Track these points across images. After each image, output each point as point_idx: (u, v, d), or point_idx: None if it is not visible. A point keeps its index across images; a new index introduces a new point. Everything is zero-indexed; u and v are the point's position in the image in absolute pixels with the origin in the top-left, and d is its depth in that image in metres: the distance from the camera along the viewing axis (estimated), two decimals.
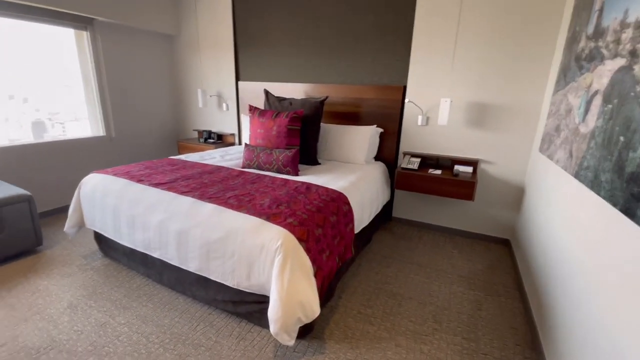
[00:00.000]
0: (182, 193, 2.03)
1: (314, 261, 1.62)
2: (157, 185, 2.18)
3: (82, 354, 1.66)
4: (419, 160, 3.04)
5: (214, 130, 4.43)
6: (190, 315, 1.97)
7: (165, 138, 4.58)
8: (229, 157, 3.16)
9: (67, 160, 3.46)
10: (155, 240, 1.99)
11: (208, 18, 4.03)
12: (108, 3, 3.40)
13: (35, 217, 2.58)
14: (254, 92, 3.95)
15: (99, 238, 2.54)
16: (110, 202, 2.20)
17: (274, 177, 2.46)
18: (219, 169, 2.67)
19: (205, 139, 4.27)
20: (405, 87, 3.14)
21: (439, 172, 2.89)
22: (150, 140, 4.37)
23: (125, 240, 2.18)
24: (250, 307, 1.84)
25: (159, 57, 4.30)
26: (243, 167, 2.79)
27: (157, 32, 4.10)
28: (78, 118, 3.77)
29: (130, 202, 2.10)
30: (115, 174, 2.39)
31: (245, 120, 3.73)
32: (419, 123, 3.11)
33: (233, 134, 4.29)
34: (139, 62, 4.04)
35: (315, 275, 1.61)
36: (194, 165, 2.77)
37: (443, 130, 3.06)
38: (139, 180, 2.26)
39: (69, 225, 2.46)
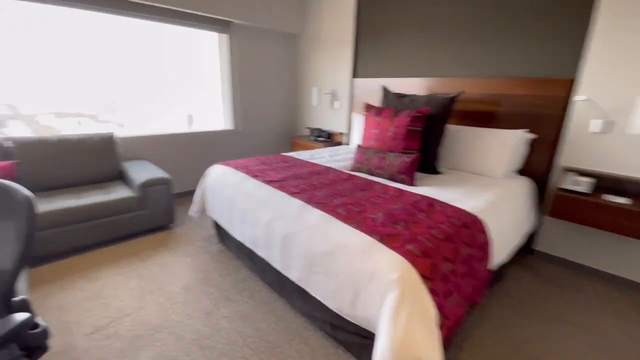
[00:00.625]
0: (292, 194, 1.91)
1: (440, 307, 1.23)
2: (269, 182, 2.13)
3: (187, 341, 1.71)
4: (591, 180, 2.22)
5: (324, 128, 4.36)
6: (286, 325, 1.84)
7: (281, 134, 4.78)
8: (338, 158, 2.98)
9: (201, 149, 3.90)
10: (262, 240, 1.93)
11: (332, 14, 3.94)
12: (244, 7, 3.65)
13: (171, 198, 2.93)
14: (370, 89, 3.67)
15: (217, 225, 2.70)
16: (227, 194, 2.27)
17: (387, 186, 2.13)
18: (327, 170, 2.50)
19: (316, 137, 4.24)
20: (572, 81, 2.34)
21: (624, 200, 2.04)
22: (269, 135, 4.61)
23: (236, 233, 2.22)
24: (350, 337, 1.57)
25: (281, 56, 4.47)
26: (352, 170, 2.55)
27: (282, 31, 4.25)
28: (214, 112, 4.23)
29: (244, 197, 2.11)
30: (235, 167, 2.47)
31: (358, 119, 3.50)
32: (595, 130, 2.28)
33: (342, 133, 4.13)
34: (263, 62, 4.27)
35: (440, 326, 1.23)
36: (304, 164, 2.68)
37: (637, 141, 2.15)
38: (254, 176, 2.27)
39: (193, 209, 2.69)
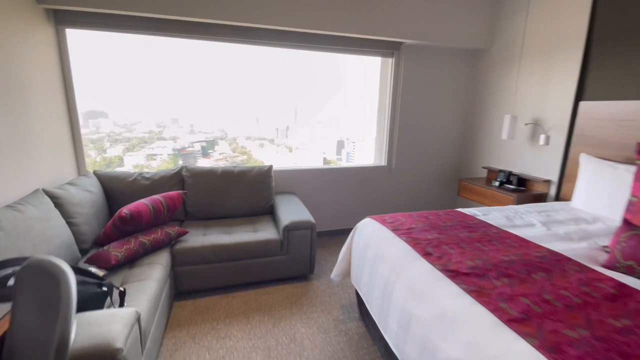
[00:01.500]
0: (511, 321, 1.03)
1: None
2: (455, 275, 1.31)
3: None
4: None
5: (515, 171, 3.14)
6: None
7: (446, 173, 3.83)
8: (562, 231, 1.84)
9: (347, 186, 3.44)
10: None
11: (546, 15, 2.81)
12: (421, 24, 3.03)
13: (314, 245, 2.51)
14: (608, 117, 2.31)
15: (360, 298, 2.06)
16: (382, 272, 1.59)
17: None
18: (558, 259, 1.45)
19: (501, 183, 3.08)
20: None
21: None
22: (431, 175, 3.76)
23: (381, 326, 1.50)
24: None
25: (457, 78, 3.58)
26: (608, 267, 1.40)
27: (463, 48, 3.38)
28: (364, 143, 3.76)
29: (410, 290, 1.36)
30: (394, 229, 1.78)
31: (589, 164, 2.21)
32: None
33: (548, 182, 2.81)
34: (433, 86, 3.50)
35: None
36: (502, 236, 1.71)
37: None
38: (426, 254, 1.50)
39: (335, 273, 2.15)
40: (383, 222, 1.90)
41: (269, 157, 3.54)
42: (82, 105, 2.56)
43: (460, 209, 2.23)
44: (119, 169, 2.80)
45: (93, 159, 2.77)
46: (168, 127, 3.00)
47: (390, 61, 3.34)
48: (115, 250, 1.87)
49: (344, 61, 3.41)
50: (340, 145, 3.92)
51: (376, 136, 3.59)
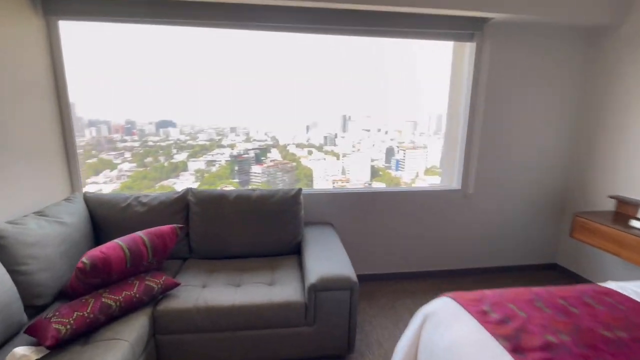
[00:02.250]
0: None
1: None
2: None
3: None
4: None
5: None
6: None
7: (548, 203, 2.76)
8: None
9: (403, 216, 2.57)
10: None
11: None
12: None
13: (354, 313, 1.71)
14: None
15: None
16: None
17: None
18: None
19: None
20: None
21: None
22: (524, 205, 2.72)
23: None
24: None
25: (568, 69, 2.53)
26: None
27: (576, 25, 2.34)
28: (426, 147, 2.93)
29: None
30: (484, 324, 0.92)
31: None
32: None
33: None
34: (532, 79, 2.50)
35: None
36: None
37: None
38: None
39: None
40: (481, 317, 1.04)
41: (316, 165, 3.26)
42: (153, 115, 2.72)
43: (616, 288, 1.25)
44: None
45: (161, 164, 3.06)
46: (226, 136, 3.38)
47: (468, 47, 2.43)
48: (59, 320, 1.28)
49: (401, 52, 2.59)
50: (390, 152, 3.33)
51: (443, 149, 2.68)
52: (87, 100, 2.36)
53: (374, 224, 2.56)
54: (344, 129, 3.31)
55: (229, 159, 3.54)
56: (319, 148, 3.49)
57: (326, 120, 3.36)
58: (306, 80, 2.69)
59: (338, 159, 3.41)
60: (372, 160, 3.30)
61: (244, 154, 3.50)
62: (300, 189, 2.15)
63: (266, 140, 3.53)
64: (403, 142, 3.25)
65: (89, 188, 2.38)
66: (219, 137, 3.51)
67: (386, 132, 3.10)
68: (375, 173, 3.47)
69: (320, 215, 2.46)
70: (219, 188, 2.58)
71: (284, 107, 3.01)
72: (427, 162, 3.09)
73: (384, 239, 2.59)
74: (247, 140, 3.54)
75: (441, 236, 2.66)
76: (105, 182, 2.64)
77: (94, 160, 2.67)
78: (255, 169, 3.50)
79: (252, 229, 2.06)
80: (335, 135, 3.43)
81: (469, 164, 2.56)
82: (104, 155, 2.70)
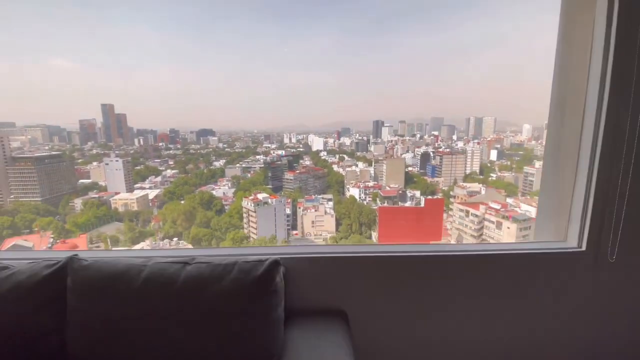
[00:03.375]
0: None
1: None
2: None
3: None
4: None
5: None
6: None
7: None
8: None
9: (472, 295, 1.23)
10: None
11: None
12: None
13: None
14: None
15: None
16: None
17: None
18: None
19: None
20: None
21: None
22: None
23: None
24: None
25: None
26: None
27: None
28: (458, 152, 2.75)
29: None
30: None
31: None
32: None
33: None
34: None
35: None
36: None
37: None
38: None
39: None
40: None
41: (348, 171, 3.33)
42: (194, 124, 2.92)
43: None
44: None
45: (201, 171, 3.18)
46: (261, 144, 3.46)
47: (598, 6, 1.14)
48: None
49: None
50: (425, 158, 3.26)
51: (546, 177, 1.37)
52: (135, 111, 2.59)
53: (416, 308, 1.24)
54: (377, 135, 3.33)
55: (263, 165, 3.78)
56: (351, 154, 3.58)
57: (357, 124, 3.45)
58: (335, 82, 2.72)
59: (371, 165, 3.45)
60: (407, 168, 3.30)
61: (277, 161, 3.72)
62: (276, 262, 0.93)
63: (299, 147, 3.70)
64: (440, 147, 3.16)
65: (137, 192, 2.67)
66: (254, 145, 3.75)
67: (420, 137, 3.05)
68: (409, 179, 3.42)
69: (322, 297, 1.21)
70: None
71: (315, 113, 3.07)
72: (465, 168, 2.95)
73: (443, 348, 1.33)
74: (281, 147, 3.73)
75: (546, 340, 1.37)
76: (150, 187, 2.90)
77: (141, 167, 2.93)
78: (288, 175, 3.69)
79: (179, 344, 0.95)
80: (368, 141, 3.48)
81: (605, 205, 1.25)
82: (150, 163, 2.96)
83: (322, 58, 2.52)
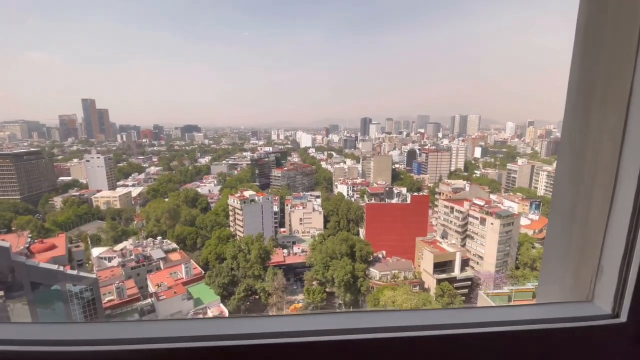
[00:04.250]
0: None
1: None
2: None
3: None
4: None
5: None
6: None
7: None
8: None
9: None
10: None
11: None
12: None
13: None
14: None
15: None
16: None
17: None
18: None
19: None
20: None
21: None
22: None
23: None
24: None
25: None
26: None
27: None
28: (443, 150, 2.74)
29: None
30: None
31: None
32: None
33: None
34: None
35: None
36: None
37: None
38: None
39: None
40: None
41: (336, 168, 3.18)
42: (178, 120, 2.52)
43: None
44: None
45: (186, 167, 3.24)
46: (248, 140, 3.40)
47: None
48: None
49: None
50: (411, 155, 3.21)
51: (559, 199, 1.06)
52: (118, 106, 2.35)
53: None
54: (365, 132, 3.23)
55: (250, 162, 3.69)
56: (339, 151, 3.51)
57: (345, 122, 3.33)
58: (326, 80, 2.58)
59: (359, 162, 3.43)
60: (394, 165, 3.29)
61: (264, 158, 3.64)
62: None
63: (287, 143, 3.62)
64: (426, 145, 3.15)
65: (120, 190, 2.46)
66: (241, 142, 3.67)
67: (407, 135, 3.03)
68: (396, 176, 3.42)
69: None
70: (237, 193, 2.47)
71: (305, 109, 2.93)
72: (450, 165, 2.96)
73: None
74: (268, 143, 3.66)
75: None
76: (133, 185, 2.79)
77: (124, 164, 2.83)
78: (276, 172, 3.62)
79: None
80: (356, 138, 3.41)
81: None
82: (133, 159, 2.85)
83: (310, 55, 2.42)
